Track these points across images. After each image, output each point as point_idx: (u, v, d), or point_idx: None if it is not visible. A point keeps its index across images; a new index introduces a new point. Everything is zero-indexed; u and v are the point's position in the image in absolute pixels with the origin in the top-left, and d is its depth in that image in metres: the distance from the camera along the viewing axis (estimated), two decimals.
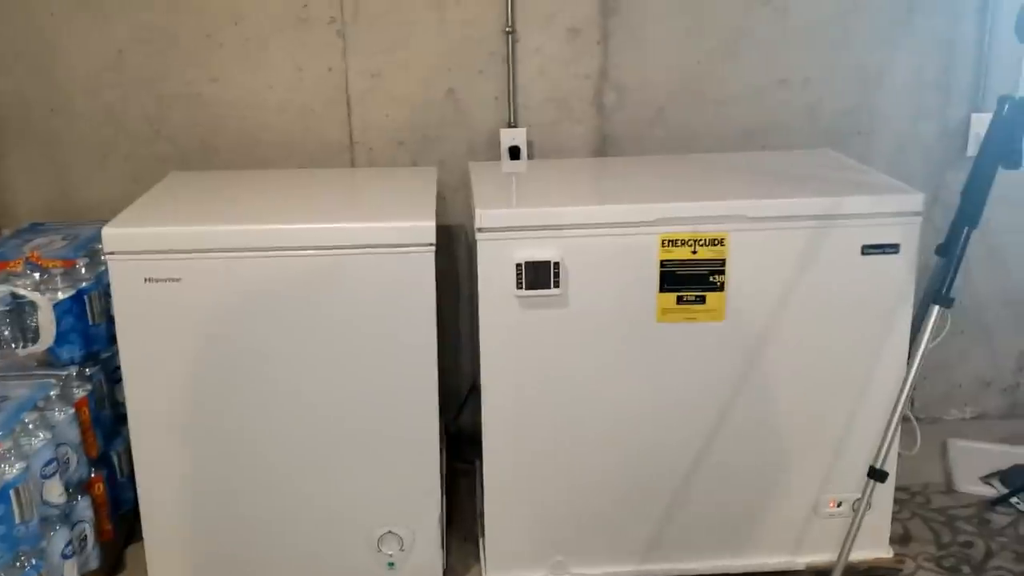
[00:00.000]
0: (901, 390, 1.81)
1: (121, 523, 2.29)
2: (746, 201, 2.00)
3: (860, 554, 2.20)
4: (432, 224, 1.93)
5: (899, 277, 2.04)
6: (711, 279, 2.01)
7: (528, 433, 2.08)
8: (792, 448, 2.14)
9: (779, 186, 2.14)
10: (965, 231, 1.79)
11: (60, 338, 2.06)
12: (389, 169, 2.52)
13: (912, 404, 2.90)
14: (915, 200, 2.01)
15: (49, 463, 1.90)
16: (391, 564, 2.15)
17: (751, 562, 2.22)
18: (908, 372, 1.81)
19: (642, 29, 2.51)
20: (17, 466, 1.80)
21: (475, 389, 2.06)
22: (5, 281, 2.06)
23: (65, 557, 1.97)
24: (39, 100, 2.49)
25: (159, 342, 1.95)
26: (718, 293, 2.02)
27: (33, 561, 1.85)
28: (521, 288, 1.96)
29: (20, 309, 2.05)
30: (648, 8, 2.50)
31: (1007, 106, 1.78)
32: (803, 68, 2.57)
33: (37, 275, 2.05)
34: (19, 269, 2.05)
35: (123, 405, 2.08)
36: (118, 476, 2.26)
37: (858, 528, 1.89)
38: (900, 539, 2.35)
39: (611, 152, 2.61)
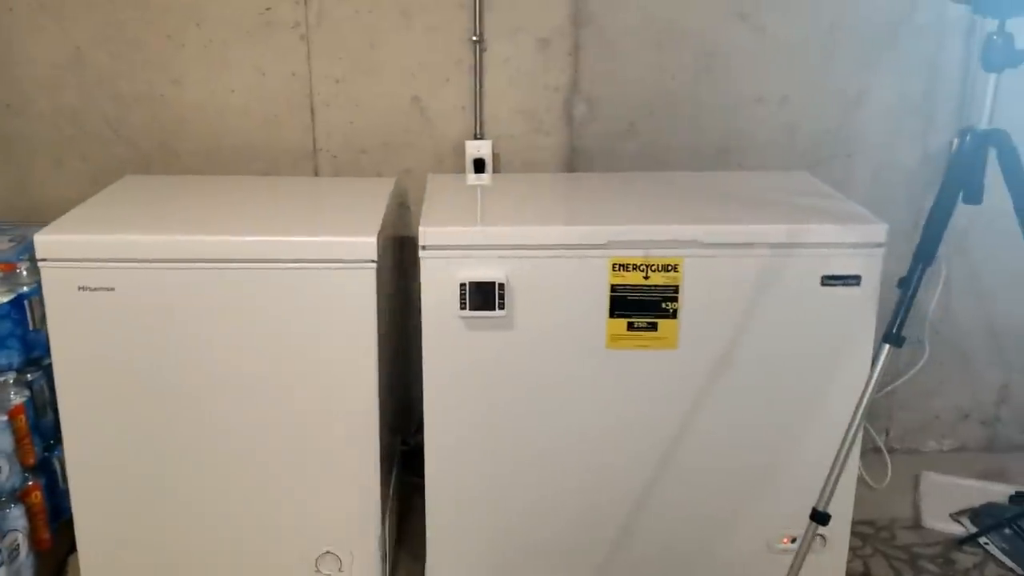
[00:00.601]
0: (847, 432, 1.74)
1: (65, 531, 2.25)
2: (701, 226, 1.93)
3: None
4: (373, 240, 1.87)
5: (859, 310, 1.97)
6: (664, 306, 1.94)
7: (471, 457, 2.03)
8: (745, 482, 2.08)
9: (740, 211, 2.07)
10: (920, 268, 1.71)
11: None
12: (347, 179, 2.47)
13: (887, 434, 2.83)
14: (878, 231, 1.94)
15: None
16: None
17: None
18: (855, 414, 1.73)
19: (615, 41, 2.44)
20: None
21: None
22: None
23: None
24: None
25: (93, 351, 1.91)
26: (671, 320, 1.96)
27: None
28: (465, 308, 1.91)
29: None
30: (621, 20, 2.43)
31: (968, 137, 1.71)
32: (781, 87, 2.50)
33: None
34: None
35: None
36: (60, 484, 2.21)
37: (796, 574, 1.81)
38: None
39: (581, 166, 2.54)
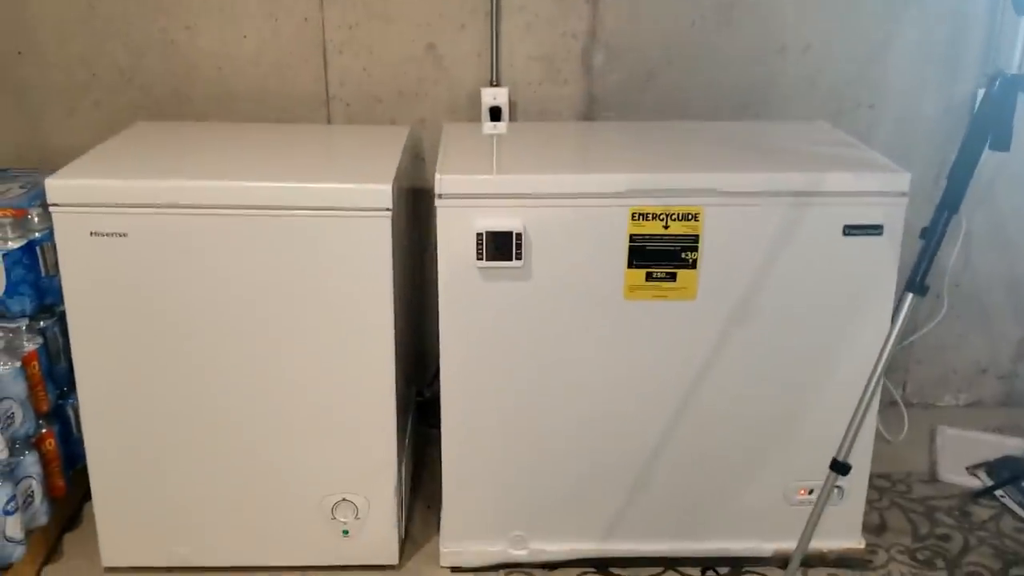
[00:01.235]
0: (869, 382, 1.72)
1: (80, 478, 2.25)
2: (722, 174, 1.90)
3: (830, 543, 2.14)
4: (388, 188, 1.84)
5: (881, 260, 1.94)
6: (683, 256, 1.92)
7: (488, 407, 2.02)
8: (762, 433, 2.06)
9: (761, 159, 2.04)
10: (944, 216, 1.68)
11: (10, 289, 2.00)
12: (361, 127, 2.43)
13: (904, 388, 2.81)
14: (901, 179, 1.91)
15: None
16: (345, 532, 2.10)
17: (717, 546, 2.15)
18: (877, 364, 1.71)
19: None
20: None
21: None
22: None
23: (7, 513, 1.93)
24: (6, 44, 2.41)
25: (106, 298, 1.89)
26: (690, 271, 1.93)
27: None
28: (482, 259, 1.88)
29: None
30: None
31: (998, 82, 1.66)
32: (804, 35, 2.45)
33: None
34: None
35: None
36: (74, 431, 2.21)
37: (815, 524, 1.80)
38: (875, 529, 2.28)
39: (598, 115, 2.50)
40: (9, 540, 1.95)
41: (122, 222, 1.84)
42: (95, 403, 1.98)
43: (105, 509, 2.07)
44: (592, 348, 1.98)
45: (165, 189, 1.83)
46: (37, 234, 2.04)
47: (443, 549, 2.14)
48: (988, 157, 1.73)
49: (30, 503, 2.04)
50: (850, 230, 1.92)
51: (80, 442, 2.19)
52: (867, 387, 1.72)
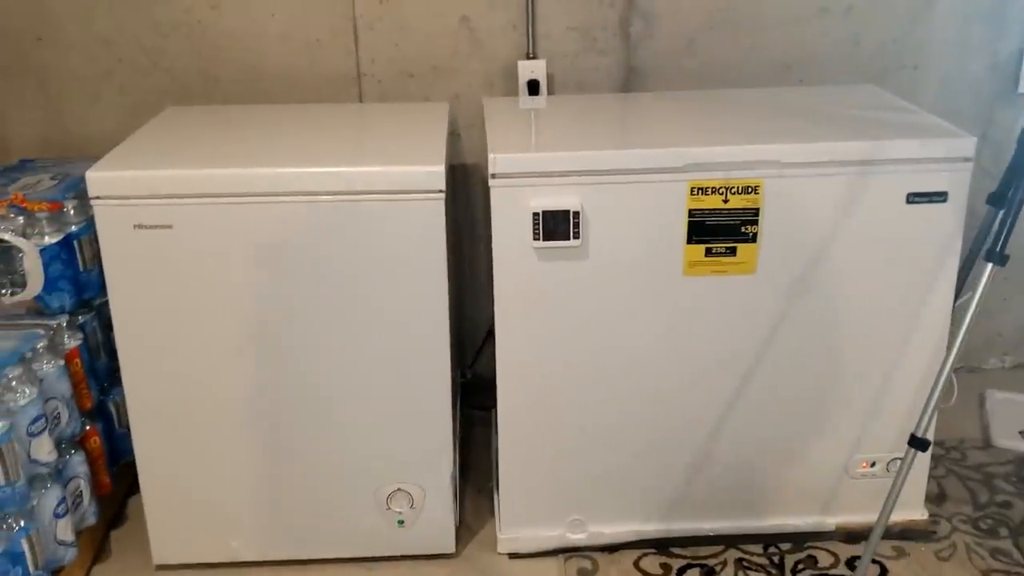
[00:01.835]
0: (947, 355, 1.67)
1: (122, 473, 2.20)
2: (783, 145, 1.84)
3: (894, 515, 2.09)
4: (442, 169, 1.78)
5: (946, 228, 1.89)
6: (743, 230, 1.86)
7: (545, 390, 1.97)
8: (824, 407, 2.02)
9: (819, 128, 1.98)
10: (1020, 181, 1.63)
11: (49, 285, 1.94)
12: (398, 105, 2.37)
13: None
14: (966, 144, 1.85)
15: (36, 420, 1.80)
16: (400, 522, 2.05)
17: (779, 522, 2.12)
18: (956, 336, 1.66)
19: None
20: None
21: (492, 334, 1.94)
22: None
23: (58, 516, 1.88)
24: (25, 29, 2.33)
25: (151, 291, 1.83)
26: (750, 245, 1.88)
27: (22, 523, 1.76)
28: (538, 239, 1.83)
29: (6, 255, 1.93)
30: None
31: None
32: None
33: (22, 219, 1.92)
34: (2, 212, 1.92)
35: None
36: (116, 427, 2.16)
37: (895, 501, 1.77)
38: (935, 498, 2.24)
39: (637, 86, 2.44)
40: (61, 543, 1.91)
41: (168, 213, 1.77)
42: (142, 399, 1.92)
43: (155, 506, 2.02)
44: (651, 326, 1.93)
45: (213, 178, 1.77)
46: (74, 227, 1.98)
47: (500, 535, 2.10)
48: None
49: (79, 504, 1.99)
50: (914, 198, 1.87)
51: (122, 438, 2.16)
52: (946, 359, 1.68)
